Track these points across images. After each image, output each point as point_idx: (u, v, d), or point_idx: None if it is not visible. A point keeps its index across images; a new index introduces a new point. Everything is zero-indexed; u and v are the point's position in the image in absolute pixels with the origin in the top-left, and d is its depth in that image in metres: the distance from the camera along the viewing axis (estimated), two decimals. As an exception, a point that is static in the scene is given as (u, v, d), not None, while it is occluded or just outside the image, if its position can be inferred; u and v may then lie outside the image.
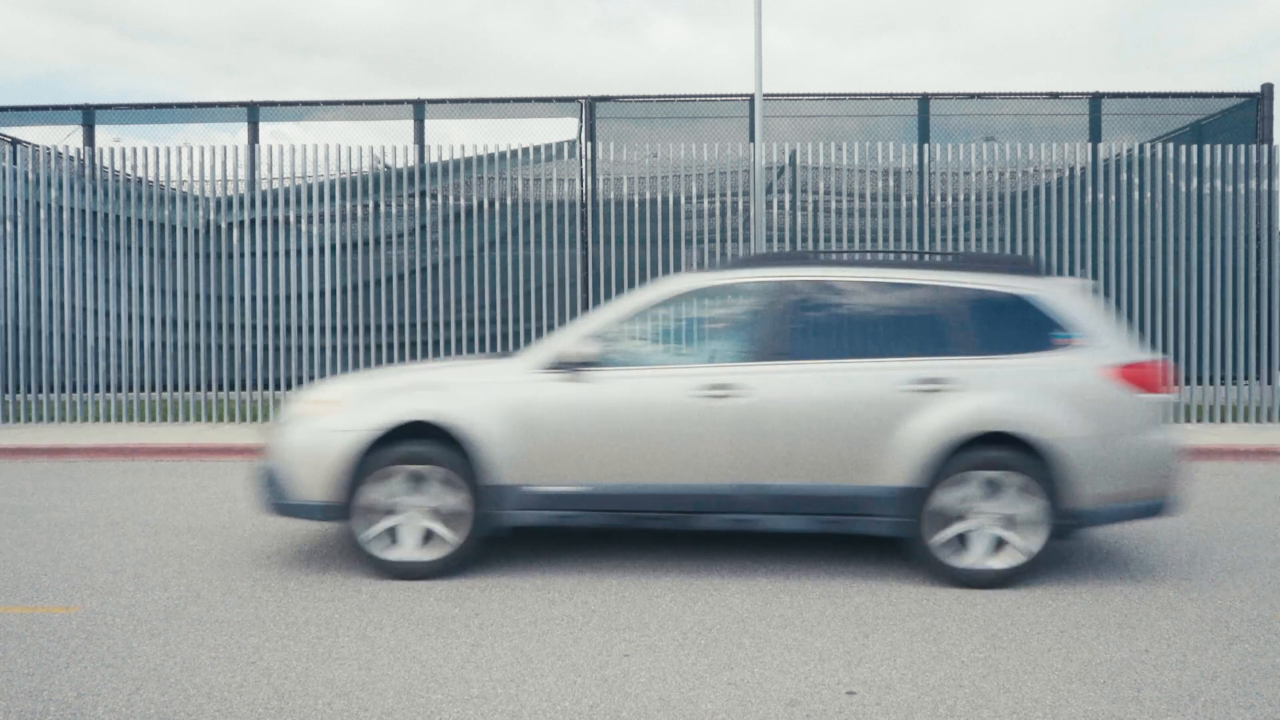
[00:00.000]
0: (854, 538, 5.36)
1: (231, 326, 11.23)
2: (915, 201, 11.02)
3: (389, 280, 11.31)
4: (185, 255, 11.21)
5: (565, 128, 24.96)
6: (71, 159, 11.20)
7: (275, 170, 11.13)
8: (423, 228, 11.44)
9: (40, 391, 11.16)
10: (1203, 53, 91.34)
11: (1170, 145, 10.88)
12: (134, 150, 11.11)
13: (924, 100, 12.84)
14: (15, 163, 11.09)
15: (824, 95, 12.95)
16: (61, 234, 11.10)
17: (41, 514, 6.09)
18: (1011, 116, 13.14)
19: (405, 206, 11.47)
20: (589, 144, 12.04)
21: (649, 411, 4.44)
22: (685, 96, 12.73)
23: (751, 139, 11.52)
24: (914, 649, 3.53)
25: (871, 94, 12.95)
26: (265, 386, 11.21)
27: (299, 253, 11.16)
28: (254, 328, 11.20)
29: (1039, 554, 4.32)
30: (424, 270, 11.34)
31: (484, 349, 11.36)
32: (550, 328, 11.42)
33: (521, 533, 5.51)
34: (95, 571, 4.63)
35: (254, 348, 11.22)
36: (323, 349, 11.15)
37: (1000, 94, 12.92)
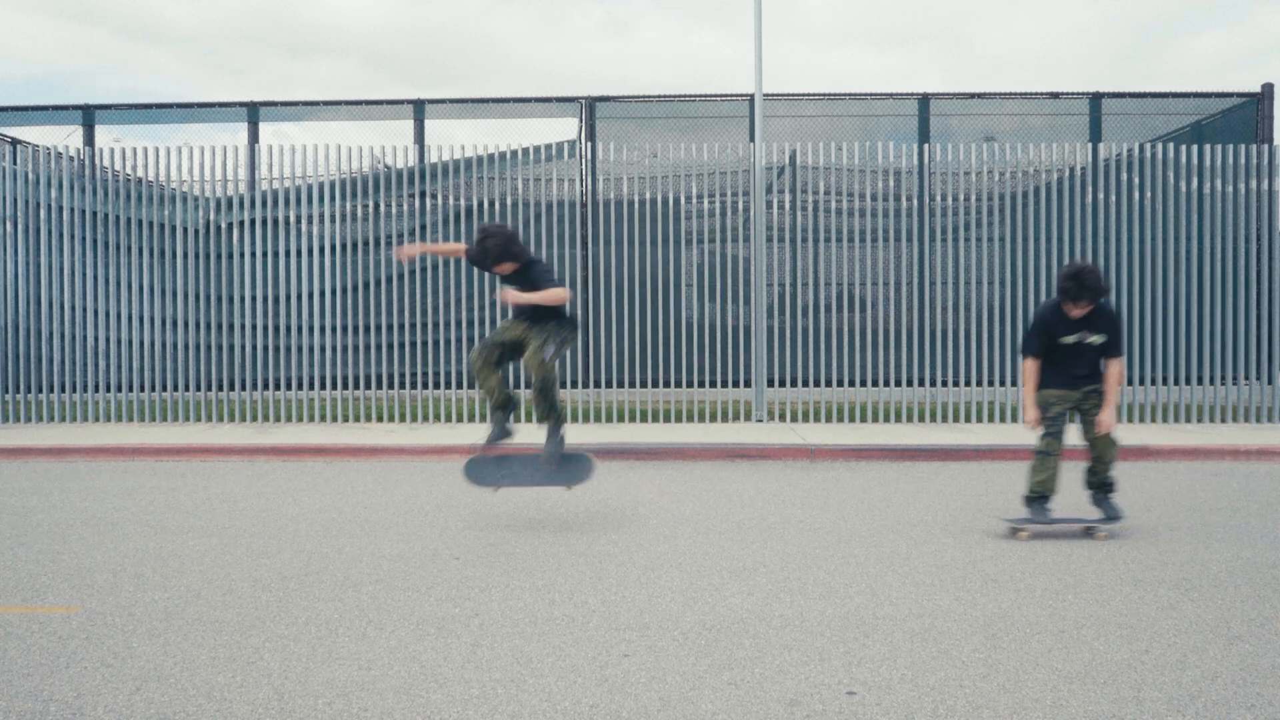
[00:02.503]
0: (854, 537, 5.36)
1: (231, 326, 11.23)
2: (915, 201, 11.02)
3: (389, 280, 11.31)
4: (185, 255, 11.21)
5: (565, 128, 24.96)
6: (71, 159, 11.20)
7: (275, 170, 11.13)
8: (423, 228, 11.44)
9: (40, 391, 11.16)
10: (1201, 65, 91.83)
11: (1170, 145, 10.88)
12: (134, 150, 11.11)
13: (924, 100, 12.84)
14: (15, 163, 11.09)
15: (824, 95, 12.96)
16: (61, 234, 11.10)
17: (41, 514, 6.09)
18: (1011, 116, 13.15)
19: (405, 206, 11.48)
20: (589, 144, 12.05)
21: None
22: (685, 96, 12.73)
23: (751, 139, 11.52)
24: (914, 649, 3.53)
25: (871, 94, 12.96)
26: (265, 386, 11.21)
27: (299, 253, 11.15)
28: (254, 328, 11.20)
29: None
30: (424, 270, 11.34)
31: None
32: (550, 328, 11.40)
33: (523, 531, 5.51)
34: (95, 571, 4.63)
35: (254, 348, 11.22)
36: (323, 349, 11.15)
37: (1000, 94, 12.94)
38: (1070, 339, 5.09)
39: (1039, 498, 5.22)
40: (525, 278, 5.51)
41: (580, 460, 5.76)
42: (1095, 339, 5.06)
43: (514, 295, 5.43)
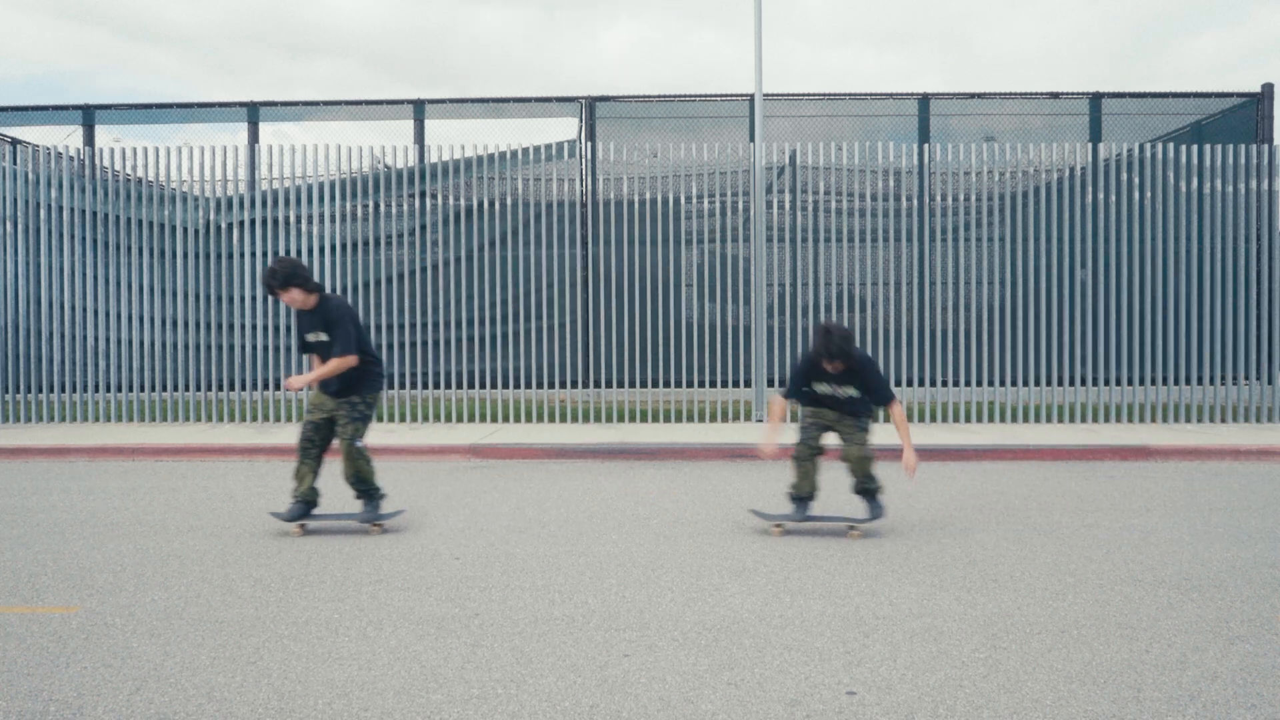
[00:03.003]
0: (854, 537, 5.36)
1: (231, 326, 11.23)
2: (915, 201, 11.02)
3: (389, 280, 11.31)
4: (185, 255, 11.21)
5: (565, 128, 24.95)
6: (71, 159, 11.20)
7: (275, 170, 11.13)
8: (423, 228, 11.44)
9: (40, 391, 11.16)
10: (1201, 65, 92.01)
11: (1170, 145, 10.88)
12: (134, 150, 11.11)
13: (924, 100, 12.84)
14: (15, 163, 11.09)
15: (824, 95, 12.96)
16: (61, 234, 11.10)
17: (41, 514, 6.09)
18: (1011, 116, 13.14)
19: (405, 206, 11.48)
20: (589, 144, 12.05)
21: None
22: (685, 96, 12.73)
23: (751, 139, 11.52)
24: (914, 649, 3.53)
25: (871, 94, 12.96)
26: (265, 386, 11.21)
27: (299, 253, 11.15)
28: (254, 328, 11.20)
29: None
30: (424, 270, 11.34)
31: (483, 348, 11.36)
32: (550, 328, 11.43)
33: (524, 531, 5.51)
34: (95, 571, 4.63)
35: (254, 348, 11.22)
36: (323, 349, 11.13)
37: (1000, 94, 12.93)
38: (825, 389, 5.50)
39: (799, 498, 5.65)
40: (321, 319, 5.40)
41: (394, 515, 5.77)
42: (848, 391, 5.43)
43: (297, 381, 5.32)
